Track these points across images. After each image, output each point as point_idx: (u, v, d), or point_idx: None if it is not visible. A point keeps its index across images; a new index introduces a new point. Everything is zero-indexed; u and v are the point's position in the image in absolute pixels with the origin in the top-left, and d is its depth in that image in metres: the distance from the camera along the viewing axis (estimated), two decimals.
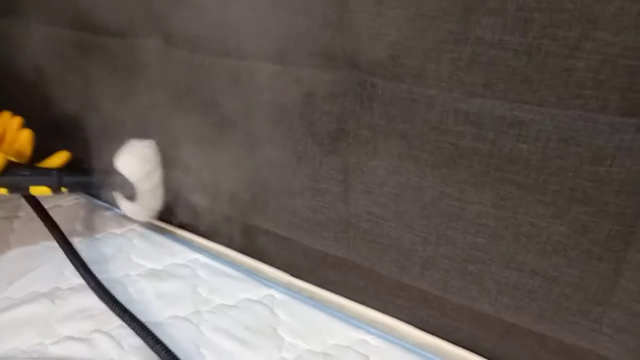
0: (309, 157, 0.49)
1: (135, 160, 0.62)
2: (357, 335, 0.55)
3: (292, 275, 0.65)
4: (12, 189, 0.60)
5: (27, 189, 0.60)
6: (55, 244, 0.69)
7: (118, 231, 0.74)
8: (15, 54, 0.74)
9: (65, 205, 0.80)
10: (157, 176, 0.64)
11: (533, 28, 0.33)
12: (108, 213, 0.78)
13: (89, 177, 0.62)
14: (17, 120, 0.67)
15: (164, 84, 0.58)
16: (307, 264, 0.62)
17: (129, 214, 0.68)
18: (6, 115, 0.68)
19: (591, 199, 0.36)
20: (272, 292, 0.62)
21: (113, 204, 0.75)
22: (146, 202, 0.65)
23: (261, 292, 0.62)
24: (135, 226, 0.74)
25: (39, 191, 0.60)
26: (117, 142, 0.64)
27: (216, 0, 0.47)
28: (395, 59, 0.39)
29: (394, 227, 0.48)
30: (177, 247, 0.70)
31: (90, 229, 0.74)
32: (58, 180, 0.60)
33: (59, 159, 0.64)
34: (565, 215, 0.38)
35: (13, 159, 0.61)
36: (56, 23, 0.65)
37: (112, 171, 0.62)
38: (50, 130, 0.72)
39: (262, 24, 0.45)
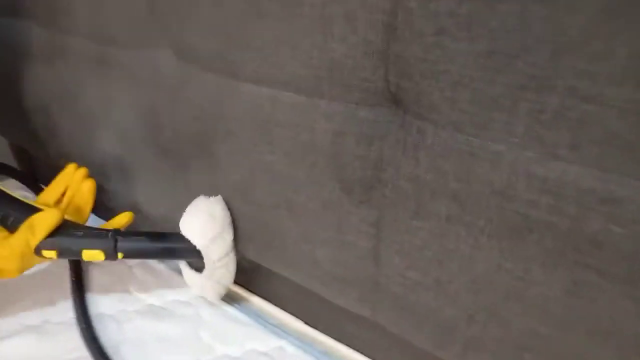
0: (335, 205, 0.41)
1: (200, 221, 0.50)
2: None
3: (307, 323, 0.57)
4: (62, 252, 0.51)
5: (79, 253, 0.50)
6: (51, 268, 0.63)
7: None
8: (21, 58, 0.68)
9: None
10: (228, 241, 0.52)
11: None
12: None
13: (149, 243, 0.52)
14: (82, 172, 0.59)
15: (176, 103, 0.51)
16: (325, 314, 0.55)
17: (196, 291, 0.57)
18: (71, 167, 0.60)
19: None
20: (282, 343, 0.55)
21: None
22: (215, 275, 0.53)
23: (270, 342, 0.55)
24: None
25: (92, 256, 0.51)
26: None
27: (233, 14, 0.39)
28: (454, 103, 0.31)
29: (434, 298, 0.40)
30: (181, 280, 0.63)
31: None
32: (114, 244, 0.50)
33: (121, 219, 0.56)
34: None
35: (69, 218, 0.54)
36: (66, 30, 0.59)
37: (175, 235, 0.52)
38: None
39: (288, 46, 0.37)
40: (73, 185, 0.59)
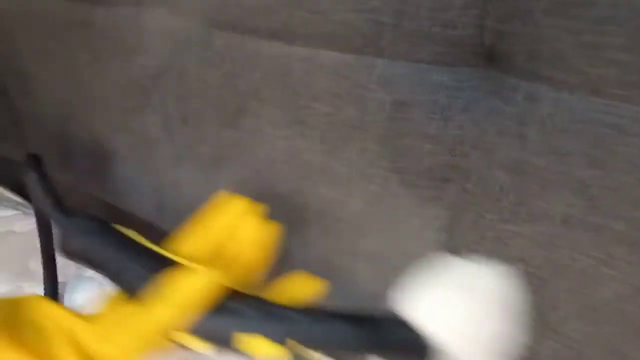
0: (389, 205, 0.31)
1: (460, 302, 0.26)
2: None
3: None
4: (212, 339, 0.27)
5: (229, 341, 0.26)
6: None
7: (89, 272, 0.55)
8: None
9: (19, 232, 0.58)
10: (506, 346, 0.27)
11: None
12: None
13: (350, 329, 0.26)
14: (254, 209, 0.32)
15: (171, 75, 0.40)
16: None
17: None
18: (237, 203, 0.32)
19: None
20: None
21: None
22: None
23: None
24: None
25: (257, 348, 0.26)
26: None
27: None
28: (596, 50, 0.21)
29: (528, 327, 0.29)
30: None
31: None
32: (291, 332, 0.26)
33: (304, 287, 0.29)
34: None
35: (232, 286, 0.28)
36: None
37: (392, 318, 0.26)
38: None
39: None
40: (242, 232, 0.32)
